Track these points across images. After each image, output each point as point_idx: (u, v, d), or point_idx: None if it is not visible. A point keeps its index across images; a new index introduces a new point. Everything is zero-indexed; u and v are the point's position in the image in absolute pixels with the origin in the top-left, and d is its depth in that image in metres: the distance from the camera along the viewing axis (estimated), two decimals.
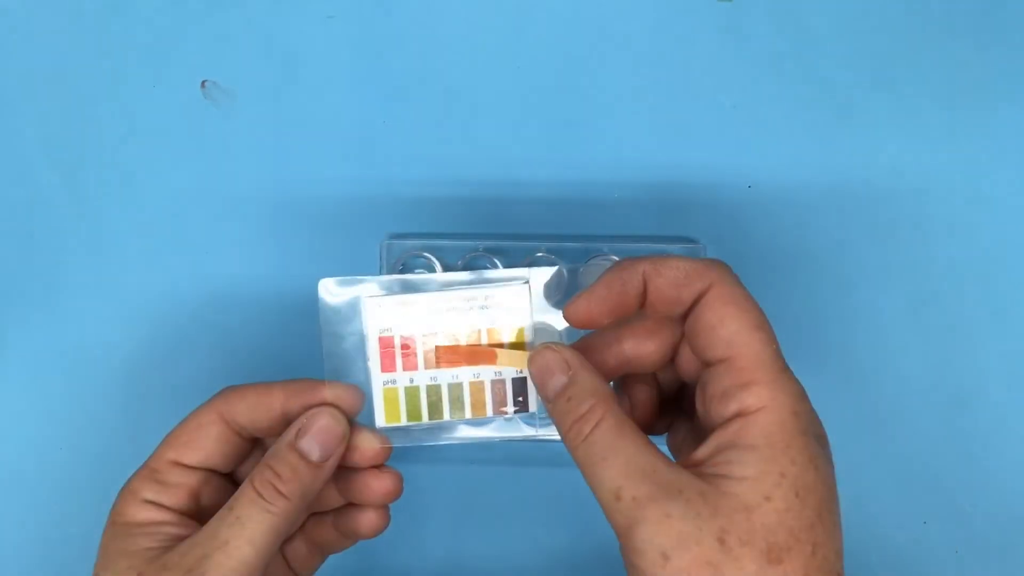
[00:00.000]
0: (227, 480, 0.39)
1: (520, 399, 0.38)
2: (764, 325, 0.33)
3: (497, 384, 0.38)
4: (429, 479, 0.48)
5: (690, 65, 0.46)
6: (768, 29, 0.46)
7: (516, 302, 0.38)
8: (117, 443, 0.48)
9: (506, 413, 0.38)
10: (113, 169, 0.47)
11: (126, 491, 0.37)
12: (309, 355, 0.48)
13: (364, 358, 0.38)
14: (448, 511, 0.48)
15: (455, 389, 0.38)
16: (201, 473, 0.37)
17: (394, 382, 0.38)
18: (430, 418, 0.38)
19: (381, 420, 0.38)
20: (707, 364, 0.34)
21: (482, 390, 0.38)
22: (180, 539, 0.35)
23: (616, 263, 0.35)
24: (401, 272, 0.46)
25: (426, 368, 0.38)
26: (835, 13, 0.46)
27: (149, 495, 0.36)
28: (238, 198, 0.47)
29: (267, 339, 0.47)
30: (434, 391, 0.38)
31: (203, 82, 0.46)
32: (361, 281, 0.37)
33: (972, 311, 0.47)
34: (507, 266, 0.46)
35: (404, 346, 0.38)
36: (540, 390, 0.35)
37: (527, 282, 0.38)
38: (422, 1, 0.46)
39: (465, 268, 0.46)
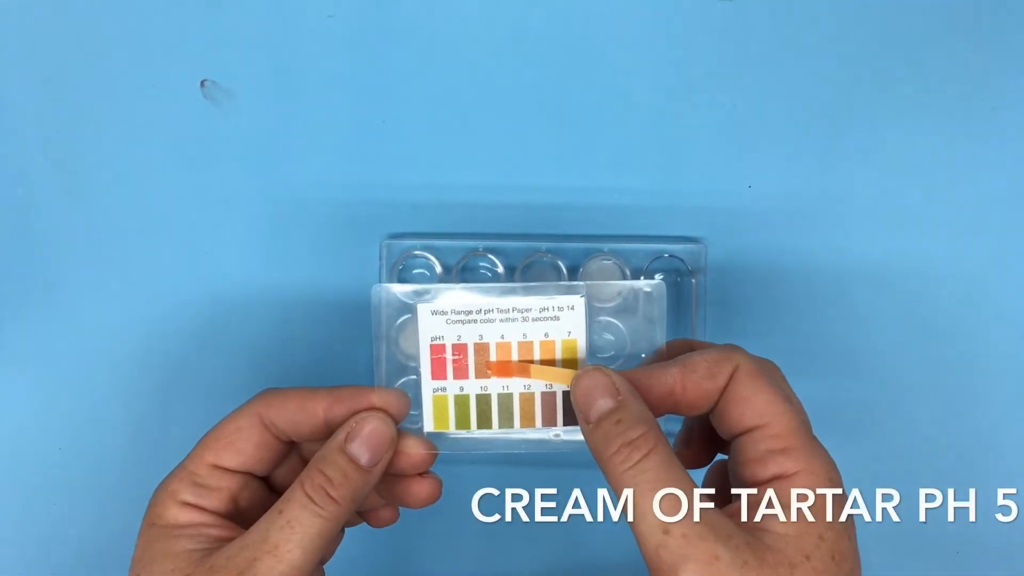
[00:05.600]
0: (263, 483, 0.39)
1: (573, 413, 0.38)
2: (792, 398, 0.35)
3: (547, 396, 0.38)
4: None
5: (690, 65, 0.46)
6: (768, 29, 0.46)
7: (571, 315, 0.38)
8: (116, 443, 0.48)
9: (555, 425, 0.38)
10: (112, 169, 0.47)
11: (164, 493, 0.36)
12: (308, 355, 0.48)
13: (416, 365, 0.38)
14: (446, 511, 0.48)
15: (505, 399, 0.38)
16: (240, 476, 0.37)
17: (444, 389, 0.38)
18: (479, 427, 0.39)
19: (429, 426, 0.39)
20: (739, 433, 0.35)
21: (532, 402, 0.38)
22: (221, 540, 0.35)
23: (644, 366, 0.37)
24: (401, 272, 0.46)
25: (477, 377, 0.38)
26: (835, 13, 0.46)
27: (189, 498, 0.36)
28: (238, 198, 0.47)
29: (267, 339, 0.47)
30: (484, 400, 0.38)
31: (203, 82, 0.46)
32: (413, 287, 0.38)
33: (973, 311, 0.47)
34: (506, 266, 0.46)
35: (456, 354, 0.38)
36: (583, 410, 0.35)
37: (584, 295, 0.38)
38: (422, 1, 0.46)
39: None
